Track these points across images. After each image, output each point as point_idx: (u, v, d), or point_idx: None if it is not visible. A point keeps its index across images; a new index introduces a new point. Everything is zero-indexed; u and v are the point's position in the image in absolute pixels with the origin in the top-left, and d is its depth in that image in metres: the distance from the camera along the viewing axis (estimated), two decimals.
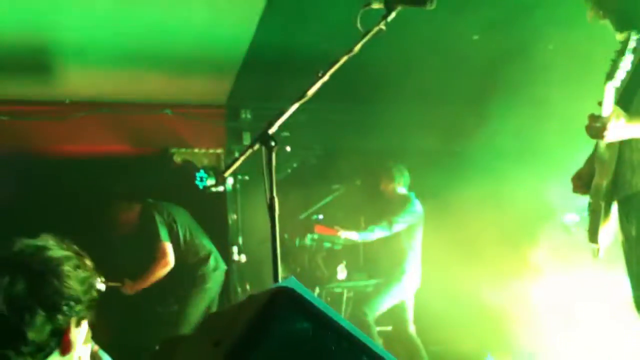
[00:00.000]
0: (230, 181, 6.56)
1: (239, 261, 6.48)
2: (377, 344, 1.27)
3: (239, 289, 6.30)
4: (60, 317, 1.58)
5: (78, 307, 1.62)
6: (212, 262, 5.71)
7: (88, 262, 1.71)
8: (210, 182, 6.34)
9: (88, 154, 6.45)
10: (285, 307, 1.23)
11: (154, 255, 5.50)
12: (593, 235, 3.15)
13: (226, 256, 6.22)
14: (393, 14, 2.75)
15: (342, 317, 1.29)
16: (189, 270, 5.62)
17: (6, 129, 6.29)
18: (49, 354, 1.59)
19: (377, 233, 5.82)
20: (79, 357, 1.69)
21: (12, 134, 6.28)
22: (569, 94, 4.45)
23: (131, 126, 6.60)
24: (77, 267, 1.65)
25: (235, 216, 6.73)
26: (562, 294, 5.53)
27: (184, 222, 5.71)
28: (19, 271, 1.57)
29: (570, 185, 3.39)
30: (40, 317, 1.55)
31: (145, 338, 5.31)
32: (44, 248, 1.64)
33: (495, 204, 5.87)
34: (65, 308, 1.58)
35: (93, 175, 6.23)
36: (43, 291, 1.57)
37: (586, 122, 2.85)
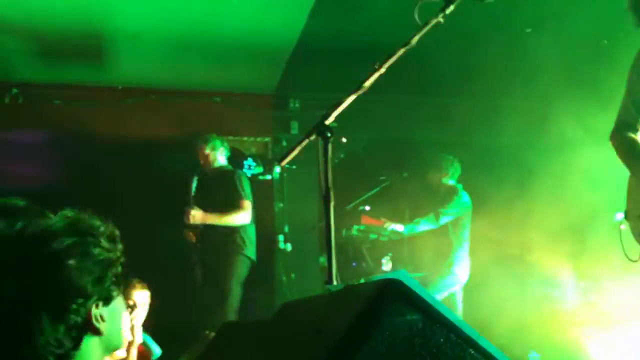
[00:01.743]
0: (277, 170, 6.58)
1: (284, 250, 6.50)
2: (484, 338, 1.26)
3: (284, 278, 6.33)
4: (72, 316, 1.50)
5: (90, 301, 1.54)
6: (249, 247, 5.64)
7: (105, 243, 1.58)
8: (258, 170, 6.37)
9: (137, 139, 6.54)
10: (394, 299, 1.23)
11: (236, 206, 5.49)
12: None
13: (272, 245, 6.25)
14: (452, 7, 2.71)
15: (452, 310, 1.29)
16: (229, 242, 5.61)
17: (59, 112, 6.43)
18: (78, 342, 1.54)
19: (423, 226, 5.78)
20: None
21: (64, 117, 6.41)
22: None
23: (180, 113, 6.68)
24: (84, 254, 1.53)
25: (281, 205, 6.76)
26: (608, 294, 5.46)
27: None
28: (19, 276, 1.49)
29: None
30: (47, 321, 1.48)
31: (189, 320, 5.37)
32: (46, 238, 1.52)
33: (545, 201, 5.79)
34: (73, 307, 1.50)
35: (141, 161, 6.32)
36: (44, 295, 1.49)
37: None
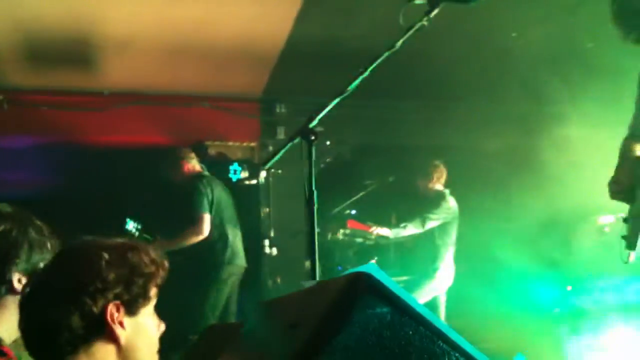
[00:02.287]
0: (263, 174, 6.59)
1: (270, 254, 6.51)
2: (453, 330, 1.28)
3: (270, 282, 6.34)
4: (87, 299, 1.56)
5: (109, 293, 1.59)
6: (228, 253, 5.66)
7: (147, 253, 1.70)
8: (244, 174, 6.38)
9: (125, 145, 6.53)
10: (364, 292, 1.25)
11: (191, 222, 5.53)
12: (632, 242, 3.07)
13: (258, 249, 6.25)
14: (436, 10, 2.74)
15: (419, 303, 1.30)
16: (206, 249, 5.62)
17: (46, 118, 6.41)
18: (88, 340, 1.58)
19: (409, 230, 5.81)
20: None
21: (51, 123, 6.39)
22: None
23: (167, 118, 6.67)
24: (121, 257, 1.66)
25: (267, 209, 6.77)
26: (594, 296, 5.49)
27: (219, 201, 5.74)
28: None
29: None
30: (68, 303, 1.56)
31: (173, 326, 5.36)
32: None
33: (530, 204, 5.83)
34: (90, 289, 1.57)
35: (128, 166, 6.31)
36: (71, 274, 1.60)
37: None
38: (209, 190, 5.63)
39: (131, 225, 5.71)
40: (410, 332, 1.24)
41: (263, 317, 1.69)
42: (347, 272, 1.33)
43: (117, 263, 1.61)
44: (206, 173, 5.86)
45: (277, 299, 1.78)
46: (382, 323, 1.23)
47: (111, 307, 1.58)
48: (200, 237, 5.50)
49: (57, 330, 1.54)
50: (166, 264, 1.74)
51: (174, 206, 5.76)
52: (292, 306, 1.53)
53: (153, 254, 1.71)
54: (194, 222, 5.50)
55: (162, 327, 1.79)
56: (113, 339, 1.59)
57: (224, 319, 5.49)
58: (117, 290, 1.59)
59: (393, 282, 1.27)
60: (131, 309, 1.63)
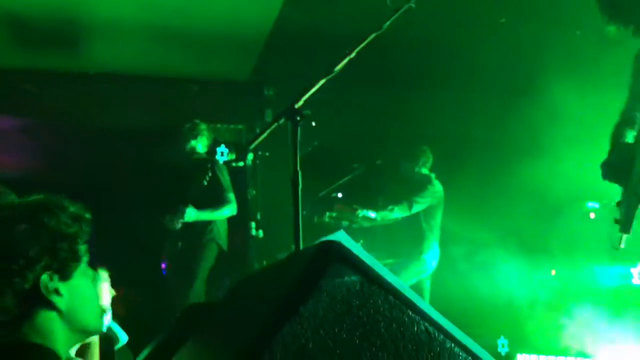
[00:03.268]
0: (250, 156, 6.58)
1: (256, 236, 6.51)
2: (423, 300, 1.28)
3: (256, 265, 6.34)
4: (16, 279, 1.52)
5: (37, 267, 1.55)
6: (214, 232, 5.62)
7: (67, 215, 1.62)
8: (231, 156, 6.36)
9: (111, 126, 6.49)
10: (333, 260, 1.23)
11: (223, 200, 5.52)
12: (627, 225, 3.04)
13: (245, 231, 6.24)
14: None
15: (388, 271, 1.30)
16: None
17: (33, 100, 6.36)
18: (28, 311, 1.55)
19: (395, 213, 5.81)
20: None
21: (39, 105, 6.35)
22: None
23: (154, 100, 6.64)
24: (36, 224, 1.58)
25: (254, 192, 6.77)
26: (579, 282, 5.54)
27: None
28: None
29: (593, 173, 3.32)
30: None
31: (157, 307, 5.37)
32: (5, 207, 1.62)
33: (516, 190, 5.86)
34: (14, 267, 1.53)
35: (116, 148, 6.29)
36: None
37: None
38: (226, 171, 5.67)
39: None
40: (379, 301, 1.23)
41: (235, 292, 1.70)
42: (317, 241, 1.33)
43: (35, 233, 1.56)
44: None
45: (251, 274, 1.78)
46: (351, 292, 1.22)
47: (43, 279, 1.55)
48: (231, 214, 5.57)
49: None
50: (87, 215, 1.67)
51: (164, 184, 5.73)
52: (263, 279, 1.53)
53: (72, 209, 1.64)
54: (231, 202, 5.52)
55: (112, 292, 1.76)
56: (52, 307, 1.57)
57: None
58: (44, 262, 1.55)
59: (363, 250, 1.27)
60: (64, 274, 1.60)
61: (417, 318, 1.26)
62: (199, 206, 5.39)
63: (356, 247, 1.27)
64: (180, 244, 5.51)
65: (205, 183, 5.44)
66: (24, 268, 1.52)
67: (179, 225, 5.36)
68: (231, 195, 5.55)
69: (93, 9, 5.29)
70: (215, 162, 5.72)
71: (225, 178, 5.59)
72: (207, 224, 5.52)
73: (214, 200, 5.50)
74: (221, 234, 5.63)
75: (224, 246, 5.64)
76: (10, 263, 1.51)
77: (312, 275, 1.21)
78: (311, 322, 1.18)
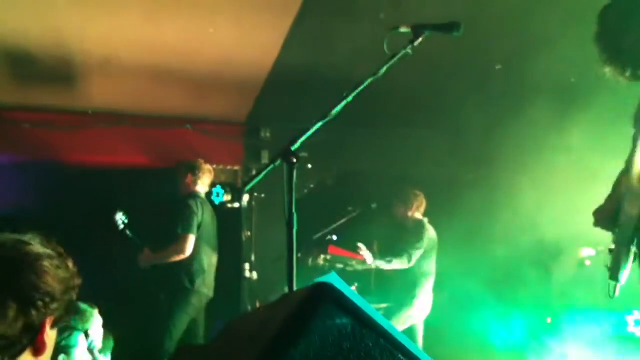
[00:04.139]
0: (246, 198, 6.58)
1: (250, 278, 6.47)
2: (414, 344, 1.26)
3: (249, 307, 6.28)
4: (34, 312, 1.52)
5: (54, 305, 1.56)
6: (199, 279, 5.62)
7: (71, 265, 1.66)
8: (227, 198, 6.36)
9: (107, 165, 6.50)
10: (325, 302, 1.23)
11: (176, 239, 5.53)
12: (615, 272, 3.03)
13: (238, 273, 6.20)
14: (420, 39, 2.78)
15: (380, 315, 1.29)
16: (179, 270, 5.60)
17: (27, 136, 6.37)
18: (21, 352, 1.54)
19: (394, 265, 5.78)
20: None
21: (32, 141, 6.35)
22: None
23: (151, 140, 6.66)
24: (57, 267, 1.60)
25: (249, 233, 6.74)
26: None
27: (205, 225, 5.72)
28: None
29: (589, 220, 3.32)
30: (12, 310, 1.49)
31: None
32: (25, 243, 1.59)
33: (512, 235, 5.86)
34: (39, 303, 1.53)
35: (110, 186, 6.27)
36: (18, 283, 1.51)
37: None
38: (200, 212, 5.63)
39: (119, 217, 5.70)
40: (371, 344, 1.22)
41: (226, 333, 1.68)
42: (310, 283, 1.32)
43: (65, 277, 1.61)
44: (202, 194, 5.85)
45: (243, 315, 1.76)
46: (342, 334, 1.21)
47: (48, 320, 1.58)
48: (182, 257, 5.49)
49: None
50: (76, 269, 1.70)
51: (158, 223, 5.73)
52: (254, 320, 1.51)
53: (71, 264, 1.68)
54: (179, 240, 5.49)
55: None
56: (37, 349, 1.57)
57: (192, 341, 5.44)
58: (55, 305, 1.58)
59: (354, 293, 1.26)
60: (56, 322, 1.63)
61: None
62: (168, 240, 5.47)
63: (348, 290, 1.26)
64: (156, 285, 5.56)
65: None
66: (46, 306, 1.54)
67: (144, 265, 5.58)
68: (181, 236, 5.51)
69: (89, 47, 5.31)
70: (199, 198, 5.76)
71: (186, 218, 5.57)
72: (170, 267, 5.55)
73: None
74: (209, 280, 5.69)
75: (203, 288, 5.65)
76: (39, 296, 1.54)
77: (303, 316, 1.21)
78: None
